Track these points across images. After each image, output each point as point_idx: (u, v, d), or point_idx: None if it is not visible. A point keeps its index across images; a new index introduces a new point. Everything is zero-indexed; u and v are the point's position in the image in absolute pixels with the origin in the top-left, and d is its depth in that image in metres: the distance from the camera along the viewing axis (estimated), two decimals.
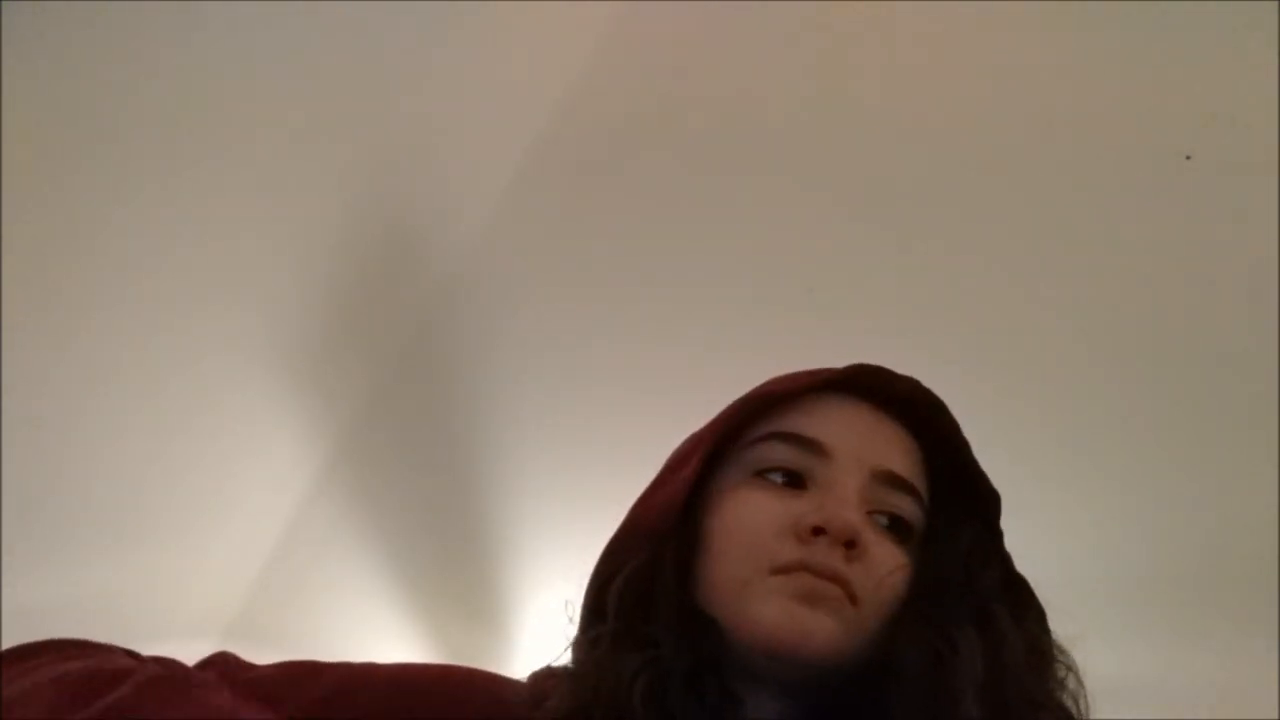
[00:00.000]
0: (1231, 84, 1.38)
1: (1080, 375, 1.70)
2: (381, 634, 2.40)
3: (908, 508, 0.65)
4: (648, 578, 0.63)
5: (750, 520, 0.63)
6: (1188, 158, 1.44)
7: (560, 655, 0.67)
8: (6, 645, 0.59)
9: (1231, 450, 1.70)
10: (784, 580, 0.60)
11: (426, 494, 2.18)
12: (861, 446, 0.65)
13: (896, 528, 0.64)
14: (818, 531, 0.61)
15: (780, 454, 0.65)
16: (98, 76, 1.29)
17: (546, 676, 0.67)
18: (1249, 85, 1.36)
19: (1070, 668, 0.63)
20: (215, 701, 0.55)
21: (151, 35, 1.29)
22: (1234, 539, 1.77)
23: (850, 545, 0.61)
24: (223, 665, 0.64)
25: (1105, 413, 1.73)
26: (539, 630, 2.32)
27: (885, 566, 0.62)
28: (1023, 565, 0.68)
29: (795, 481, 0.65)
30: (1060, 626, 0.65)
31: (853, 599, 0.60)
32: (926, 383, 0.69)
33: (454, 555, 2.27)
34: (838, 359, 0.75)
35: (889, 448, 0.66)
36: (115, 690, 0.53)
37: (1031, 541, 0.69)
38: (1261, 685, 1.81)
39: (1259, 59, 1.33)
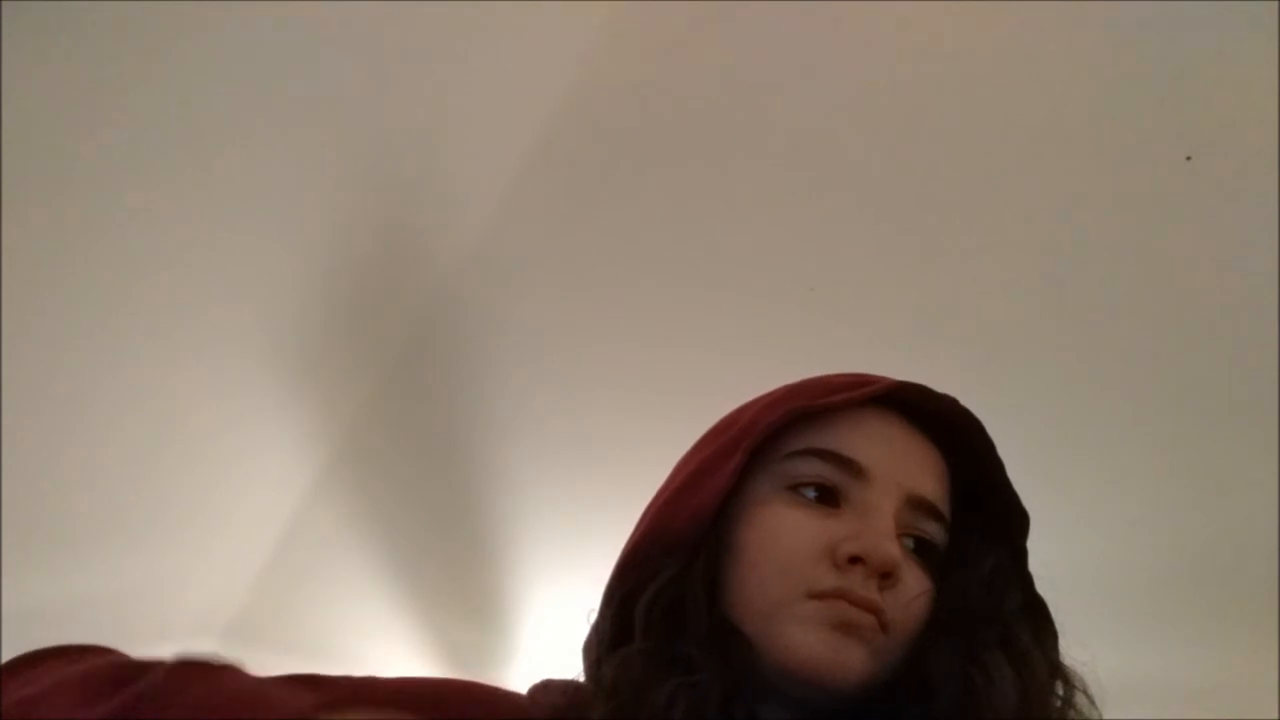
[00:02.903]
0: (1231, 84, 1.38)
1: (1080, 375, 1.70)
2: (381, 634, 2.40)
3: (935, 532, 0.65)
4: (678, 591, 0.63)
5: (786, 540, 0.63)
6: (1188, 158, 1.44)
7: (561, 666, 0.66)
8: (7, 645, 0.58)
9: (1231, 450, 1.70)
10: (820, 607, 0.60)
11: (426, 494, 2.18)
12: (898, 470, 0.65)
13: (922, 550, 0.65)
14: (855, 560, 0.61)
15: (818, 471, 0.65)
16: (98, 77, 1.29)
17: (544, 689, 0.66)
18: (1249, 85, 1.36)
19: (1085, 691, 0.63)
20: (243, 681, 0.54)
21: (151, 36, 1.29)
22: (1234, 539, 1.77)
23: (886, 576, 0.61)
24: (198, 665, 0.64)
25: (1105, 412, 1.73)
26: (539, 630, 2.32)
27: (912, 591, 0.62)
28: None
29: (830, 499, 0.64)
30: (1070, 635, 0.65)
31: (884, 627, 0.61)
32: (927, 382, 0.69)
33: (454, 555, 2.27)
34: (841, 358, 0.75)
35: (923, 472, 0.66)
36: (144, 677, 0.52)
37: (1031, 542, 0.69)
38: (1261, 685, 1.81)
39: (1259, 59, 1.33)
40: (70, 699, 0.51)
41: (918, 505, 0.64)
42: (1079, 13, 1.36)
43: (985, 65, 1.45)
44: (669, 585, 0.63)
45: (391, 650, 2.41)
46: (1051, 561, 0.68)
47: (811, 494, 0.64)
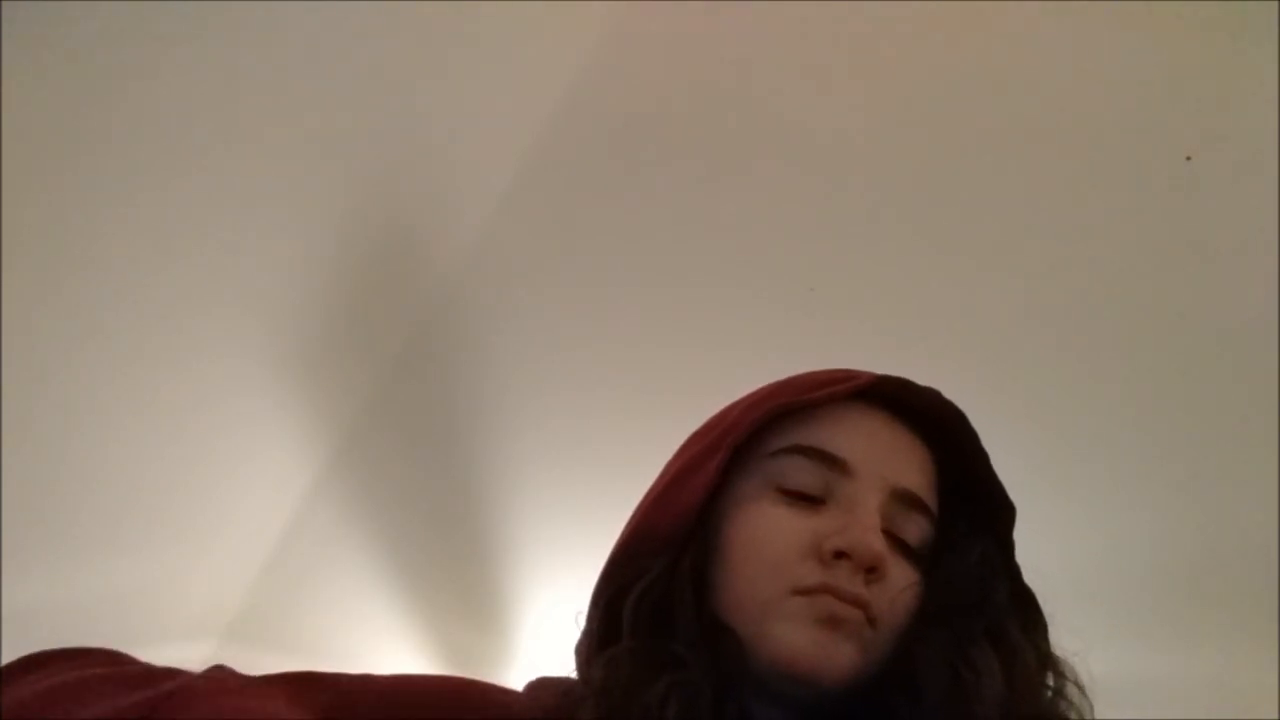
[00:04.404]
0: (1231, 84, 1.38)
1: (1080, 374, 1.70)
2: (381, 634, 2.40)
3: (922, 526, 0.65)
4: (665, 590, 0.63)
5: (772, 537, 0.63)
6: (1188, 158, 1.44)
7: (561, 667, 0.66)
8: (7, 645, 0.59)
9: (1231, 450, 1.70)
10: (806, 603, 0.61)
11: (426, 494, 2.18)
12: (883, 465, 0.65)
13: (908, 544, 0.65)
14: (840, 555, 0.61)
15: (802, 468, 0.65)
16: (98, 78, 1.29)
17: (540, 687, 0.66)
18: (1249, 85, 1.36)
19: (1076, 682, 0.63)
20: (266, 707, 0.55)
21: (152, 36, 1.29)
22: (1234, 539, 1.77)
23: (871, 570, 0.61)
24: (219, 678, 0.64)
25: (1105, 412, 1.73)
26: (539, 630, 2.32)
27: (898, 585, 0.62)
28: (1023, 565, 0.68)
29: (815, 496, 0.64)
30: (1061, 626, 0.65)
31: (871, 621, 0.61)
32: (927, 381, 0.69)
33: (454, 555, 2.27)
34: (840, 358, 0.74)
35: (908, 466, 0.66)
36: (163, 683, 0.53)
37: (1031, 542, 0.69)
38: (1261, 685, 1.81)
39: (1259, 59, 1.33)
40: (92, 694, 0.52)
41: (903, 499, 0.65)
42: (1079, 13, 1.36)
43: (985, 65, 1.45)
44: (656, 584, 0.63)
45: (391, 650, 2.41)
46: (1051, 561, 0.68)
47: (797, 492, 0.64)
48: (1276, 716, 1.77)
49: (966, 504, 0.68)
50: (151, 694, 0.52)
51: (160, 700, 0.51)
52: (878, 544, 0.61)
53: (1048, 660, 0.63)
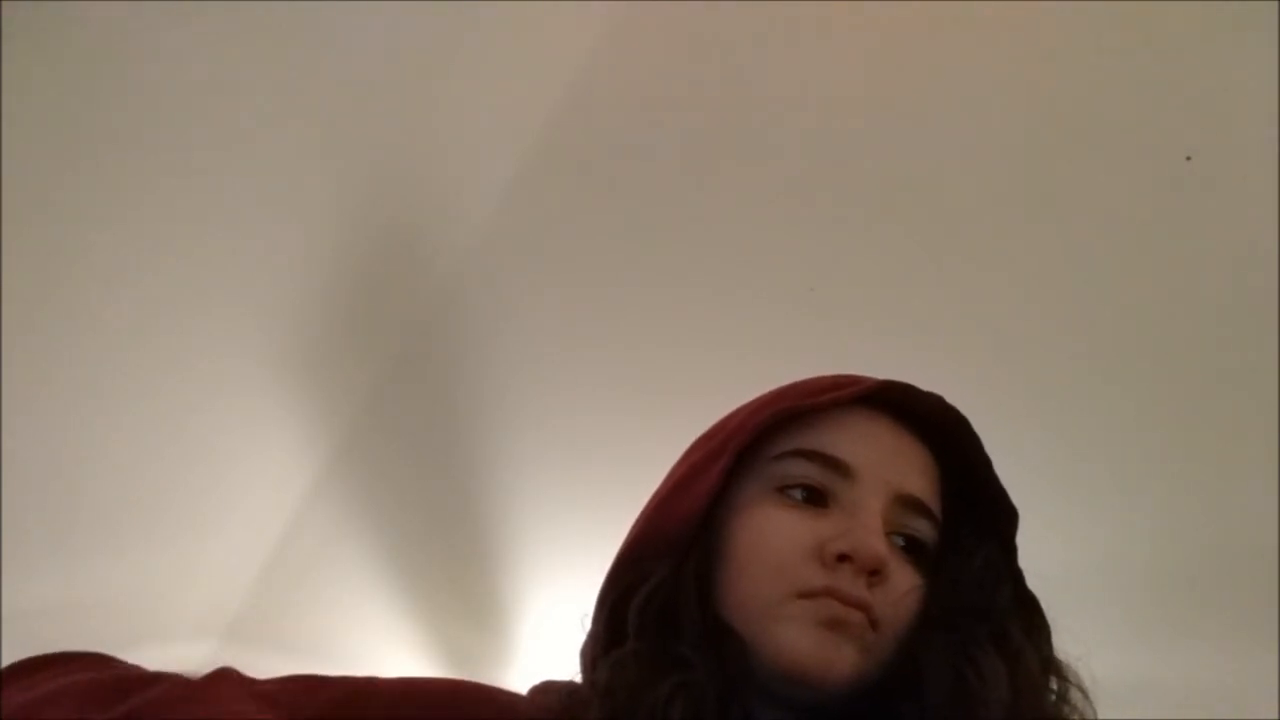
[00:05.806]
0: (1231, 84, 1.38)
1: (1080, 375, 1.70)
2: (381, 634, 2.40)
3: (925, 530, 0.66)
4: (670, 593, 0.63)
5: (774, 541, 0.63)
6: (1188, 158, 1.44)
7: (563, 670, 0.67)
8: (6, 645, 0.60)
9: (1231, 450, 1.70)
10: (809, 605, 0.61)
11: (426, 494, 2.19)
12: (886, 469, 0.65)
13: (912, 548, 0.65)
14: (843, 558, 0.61)
15: (805, 471, 0.65)
16: (98, 78, 1.29)
17: (544, 690, 0.67)
18: (1249, 85, 1.36)
19: (1079, 686, 0.63)
20: (238, 708, 0.55)
21: (152, 36, 1.29)
22: (1234, 539, 1.77)
23: (874, 573, 0.61)
24: (217, 681, 0.64)
25: (1104, 412, 1.73)
26: (539, 630, 2.32)
27: (901, 588, 0.63)
28: (1023, 565, 0.68)
29: (818, 499, 0.65)
30: (1062, 630, 0.65)
31: (874, 624, 0.61)
32: (927, 382, 0.69)
33: (454, 555, 2.27)
34: (840, 358, 0.75)
35: (911, 470, 0.66)
36: (141, 693, 0.54)
37: (1031, 542, 0.69)
38: (1261, 685, 1.81)
39: (1259, 59, 1.33)
40: (73, 704, 0.53)
41: (906, 503, 0.65)
42: (1078, 13, 1.36)
43: (985, 65, 1.45)
44: (661, 587, 0.64)
45: (391, 651, 2.41)
46: (1052, 561, 0.68)
47: (799, 495, 0.65)
48: (1276, 717, 1.77)
49: (970, 508, 0.68)
50: (138, 701, 0.52)
51: (145, 708, 0.52)
52: (880, 547, 0.61)
53: (1051, 664, 0.64)
